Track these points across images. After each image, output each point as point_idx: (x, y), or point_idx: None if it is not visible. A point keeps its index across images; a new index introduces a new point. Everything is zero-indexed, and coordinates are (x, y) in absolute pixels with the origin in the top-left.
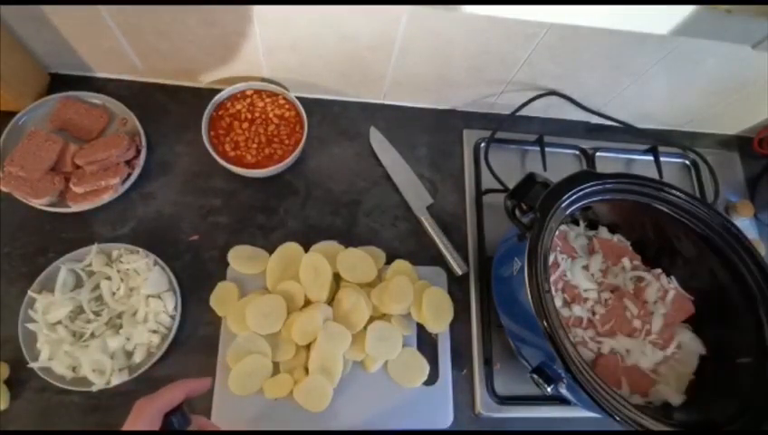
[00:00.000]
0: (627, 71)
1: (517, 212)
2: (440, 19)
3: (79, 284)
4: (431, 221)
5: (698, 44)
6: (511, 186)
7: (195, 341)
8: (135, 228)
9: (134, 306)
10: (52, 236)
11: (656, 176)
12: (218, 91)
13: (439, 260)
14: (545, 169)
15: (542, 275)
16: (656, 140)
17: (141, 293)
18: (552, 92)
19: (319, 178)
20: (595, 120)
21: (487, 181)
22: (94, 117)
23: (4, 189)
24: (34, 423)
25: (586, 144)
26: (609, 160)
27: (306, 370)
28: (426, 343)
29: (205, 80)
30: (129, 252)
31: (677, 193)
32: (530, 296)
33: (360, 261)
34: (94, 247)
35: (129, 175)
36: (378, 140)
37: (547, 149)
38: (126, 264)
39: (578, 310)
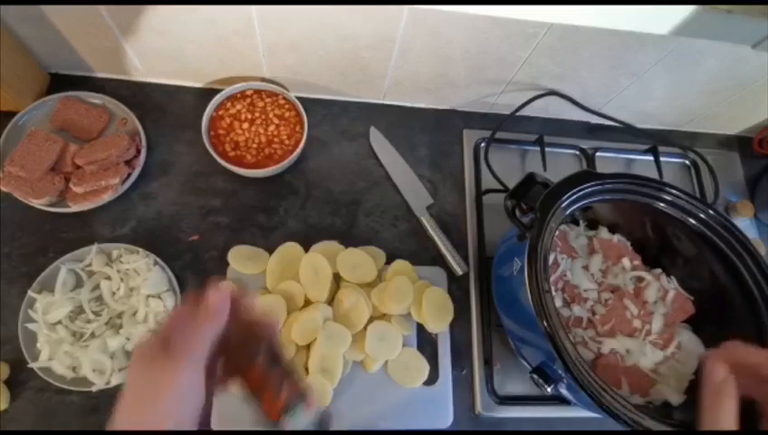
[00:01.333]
0: (627, 71)
1: (517, 212)
2: (440, 19)
3: (79, 284)
4: (431, 221)
5: (698, 44)
6: (511, 186)
7: None
8: (135, 228)
9: (134, 306)
10: (52, 236)
11: (656, 176)
12: (218, 91)
13: (439, 260)
14: (545, 169)
15: (542, 275)
16: (656, 140)
17: (141, 293)
18: (552, 92)
19: (319, 178)
20: (595, 120)
21: (487, 181)
22: (94, 117)
23: (4, 189)
24: (34, 423)
25: (586, 144)
26: (609, 160)
27: (306, 370)
28: (426, 342)
29: (205, 80)
30: (129, 252)
31: (677, 193)
32: (530, 296)
33: (360, 261)
34: (94, 247)
35: (129, 175)
36: (378, 140)
37: (547, 149)
38: (126, 264)
39: (578, 310)
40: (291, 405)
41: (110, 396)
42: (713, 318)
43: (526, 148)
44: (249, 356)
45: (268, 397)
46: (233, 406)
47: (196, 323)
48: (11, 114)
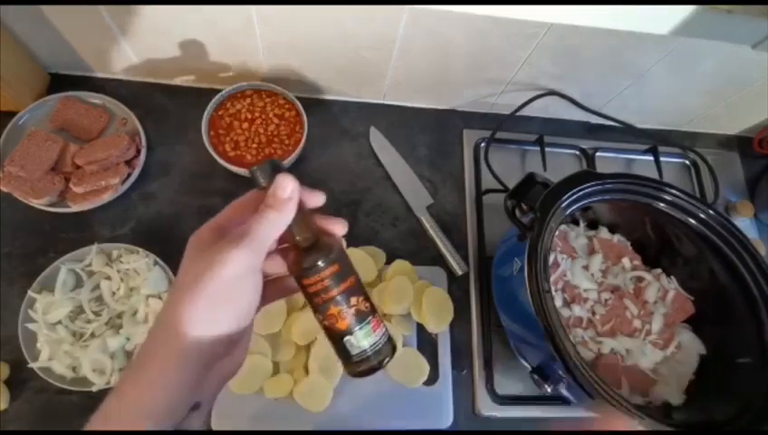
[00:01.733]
0: (627, 71)
1: (517, 212)
2: (440, 19)
3: (79, 284)
4: (431, 221)
5: (698, 44)
6: (511, 186)
7: None
8: (135, 228)
9: (134, 306)
10: (52, 236)
11: (656, 176)
12: (218, 91)
13: (439, 260)
14: (545, 169)
15: (542, 275)
16: (656, 140)
17: (141, 293)
18: (552, 92)
19: (319, 178)
20: (595, 120)
21: (487, 181)
22: (94, 117)
23: (4, 189)
24: (34, 423)
25: (586, 144)
26: (609, 160)
27: (306, 370)
28: (426, 342)
29: (205, 80)
30: (128, 252)
31: (677, 193)
32: (530, 296)
33: (360, 261)
34: (94, 247)
35: (129, 175)
36: (378, 140)
37: (547, 149)
38: (126, 264)
39: (578, 310)
40: (357, 323)
41: None
42: (713, 318)
43: (526, 148)
44: (317, 266)
45: (334, 313)
46: (232, 405)
47: (260, 210)
48: (11, 114)
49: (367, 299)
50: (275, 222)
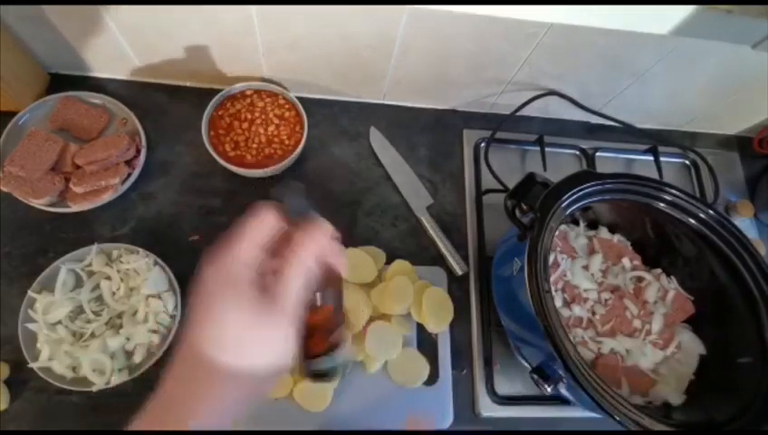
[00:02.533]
0: (627, 71)
1: (517, 212)
2: (440, 19)
3: (79, 284)
4: (431, 221)
5: (698, 44)
6: (511, 186)
7: None
8: (135, 228)
9: (134, 306)
10: (52, 236)
11: (656, 176)
12: (218, 91)
13: (439, 260)
14: (545, 169)
15: (542, 275)
16: (656, 140)
17: (141, 293)
18: (552, 92)
19: (319, 178)
20: (595, 120)
21: (487, 181)
22: (94, 117)
23: (4, 189)
24: (34, 423)
25: (586, 144)
26: (609, 160)
27: None
28: (426, 343)
29: (205, 80)
30: (128, 252)
31: (677, 193)
32: (530, 296)
33: (360, 261)
34: (94, 247)
35: (129, 175)
36: (378, 140)
37: (547, 149)
38: (126, 264)
39: (578, 310)
40: (332, 347)
41: (109, 396)
42: (713, 318)
43: (526, 148)
44: (321, 298)
45: (320, 337)
46: None
47: (309, 272)
48: (11, 114)
49: (345, 327)
50: (312, 283)
